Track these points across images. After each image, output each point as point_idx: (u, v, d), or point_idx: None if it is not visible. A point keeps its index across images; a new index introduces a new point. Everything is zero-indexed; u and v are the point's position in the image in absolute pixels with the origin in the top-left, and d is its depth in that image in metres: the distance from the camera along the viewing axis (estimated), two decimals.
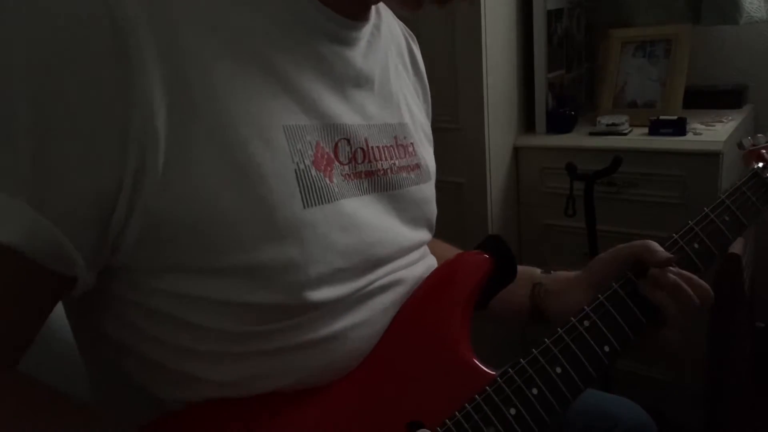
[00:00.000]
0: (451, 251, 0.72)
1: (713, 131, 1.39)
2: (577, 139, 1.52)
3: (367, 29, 0.59)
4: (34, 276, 0.43)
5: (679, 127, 1.40)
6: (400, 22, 0.73)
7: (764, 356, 1.56)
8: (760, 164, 0.74)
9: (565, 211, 1.46)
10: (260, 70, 0.48)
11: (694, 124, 1.44)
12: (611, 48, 1.64)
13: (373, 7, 0.60)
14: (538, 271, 0.74)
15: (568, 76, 1.67)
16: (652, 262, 0.61)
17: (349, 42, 0.56)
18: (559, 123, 1.57)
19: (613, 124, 1.47)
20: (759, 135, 0.80)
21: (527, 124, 1.61)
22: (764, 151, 0.76)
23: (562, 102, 1.62)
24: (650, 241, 0.63)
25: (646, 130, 1.45)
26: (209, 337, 0.48)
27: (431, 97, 0.76)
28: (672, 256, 0.61)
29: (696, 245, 0.64)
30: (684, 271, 0.61)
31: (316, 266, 0.49)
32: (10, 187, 0.40)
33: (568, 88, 1.67)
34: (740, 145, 0.80)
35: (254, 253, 0.46)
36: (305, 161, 0.50)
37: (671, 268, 0.61)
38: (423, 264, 0.64)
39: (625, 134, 1.47)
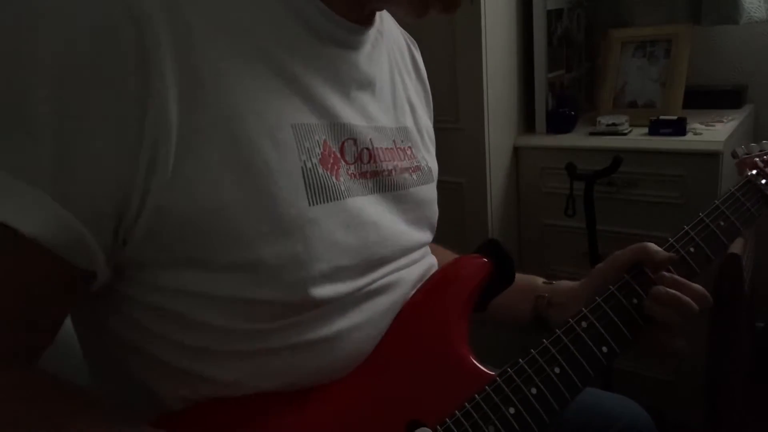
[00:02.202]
0: (451, 257, 0.72)
1: (713, 131, 1.39)
2: (577, 139, 1.52)
3: (371, 34, 0.60)
4: (59, 269, 0.43)
5: (679, 127, 1.40)
6: (402, 29, 0.74)
7: (764, 356, 1.56)
8: (754, 171, 0.76)
9: (565, 211, 1.46)
10: (269, 70, 0.49)
11: (694, 124, 1.44)
12: (611, 48, 1.64)
13: (377, 13, 0.61)
14: (540, 281, 0.74)
15: (568, 76, 1.67)
16: (652, 263, 0.63)
17: (354, 45, 0.57)
18: (559, 123, 1.57)
19: (613, 124, 1.47)
20: (752, 144, 0.83)
21: (527, 124, 1.61)
22: (757, 159, 0.79)
23: (562, 102, 1.62)
24: (647, 243, 0.64)
25: (646, 130, 1.45)
26: (213, 334, 0.49)
27: (432, 96, 0.76)
28: (671, 255, 0.63)
29: (692, 249, 0.66)
30: (679, 278, 0.62)
31: (320, 264, 0.50)
32: (35, 181, 0.41)
33: (568, 88, 1.67)
34: (734, 154, 0.84)
35: (259, 249, 0.47)
36: (312, 159, 0.50)
37: (665, 273, 0.62)
38: (423, 264, 0.64)
39: (625, 134, 1.47)
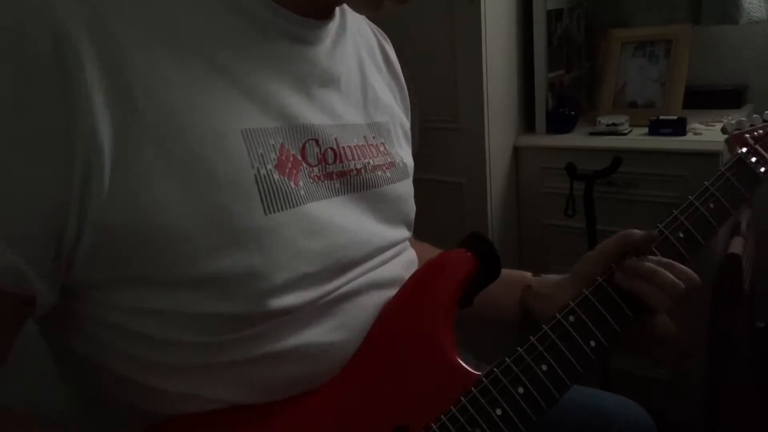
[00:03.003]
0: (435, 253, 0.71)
1: (713, 131, 1.39)
2: (577, 139, 1.52)
3: (331, 28, 0.58)
4: None
5: (679, 127, 1.40)
6: (371, 23, 0.71)
7: (764, 356, 1.56)
8: (744, 149, 0.72)
9: (565, 211, 1.46)
10: (212, 74, 0.47)
11: (694, 124, 1.43)
12: (611, 48, 1.64)
13: (338, 8, 0.59)
14: (529, 275, 0.74)
15: (568, 76, 1.67)
16: (635, 244, 0.62)
17: (310, 41, 0.55)
18: (559, 123, 1.57)
19: (613, 124, 1.47)
20: (742, 119, 0.78)
21: (527, 124, 1.61)
22: (748, 135, 0.74)
23: (562, 102, 1.62)
24: (630, 229, 0.63)
25: (646, 130, 1.45)
26: (173, 350, 0.47)
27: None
28: (651, 233, 0.62)
29: (681, 234, 0.64)
30: (664, 259, 0.60)
31: (282, 273, 0.48)
32: None
33: (568, 88, 1.67)
34: (724, 130, 0.78)
35: (213, 263, 0.45)
36: (267, 166, 0.48)
37: (651, 257, 0.61)
38: (399, 261, 0.62)
39: (625, 134, 1.47)
